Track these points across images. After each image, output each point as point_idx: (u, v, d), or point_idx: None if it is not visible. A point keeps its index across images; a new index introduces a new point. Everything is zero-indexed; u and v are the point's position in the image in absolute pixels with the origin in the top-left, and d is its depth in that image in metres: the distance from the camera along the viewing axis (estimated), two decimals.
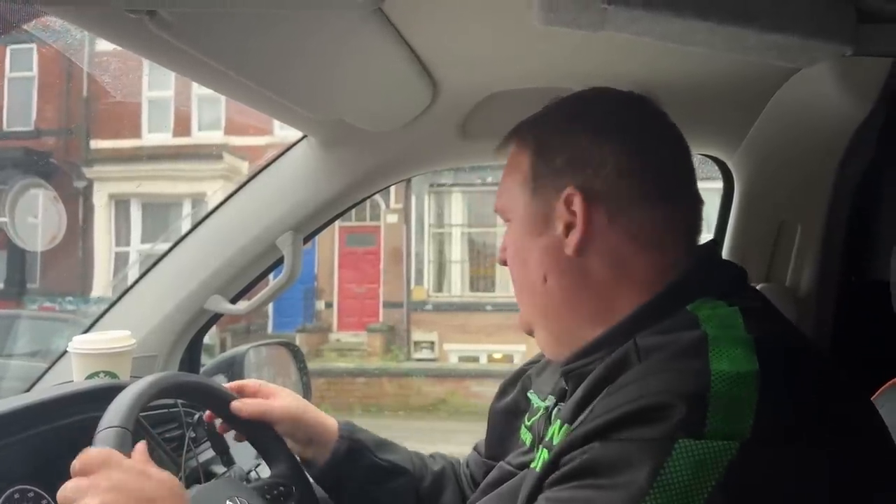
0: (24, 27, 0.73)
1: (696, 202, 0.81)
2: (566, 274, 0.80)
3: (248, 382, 1.08)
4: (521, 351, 10.77)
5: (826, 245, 1.24)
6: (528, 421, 0.92)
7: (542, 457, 0.77)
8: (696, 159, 1.44)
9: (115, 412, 0.85)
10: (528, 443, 0.90)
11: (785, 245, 1.30)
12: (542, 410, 0.89)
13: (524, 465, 0.86)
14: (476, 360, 11.24)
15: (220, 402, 1.04)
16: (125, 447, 0.80)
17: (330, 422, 1.07)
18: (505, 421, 1.00)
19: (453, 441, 8.09)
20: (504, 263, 0.88)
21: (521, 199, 0.82)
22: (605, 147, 0.78)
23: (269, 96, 0.97)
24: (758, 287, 1.23)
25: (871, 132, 1.09)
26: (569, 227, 0.78)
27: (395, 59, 0.94)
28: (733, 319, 0.71)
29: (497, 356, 11.19)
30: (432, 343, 11.60)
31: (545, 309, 0.83)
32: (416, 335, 11.69)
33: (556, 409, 0.85)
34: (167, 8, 0.64)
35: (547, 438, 0.78)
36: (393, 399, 9.95)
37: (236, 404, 1.01)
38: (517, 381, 1.02)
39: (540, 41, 0.95)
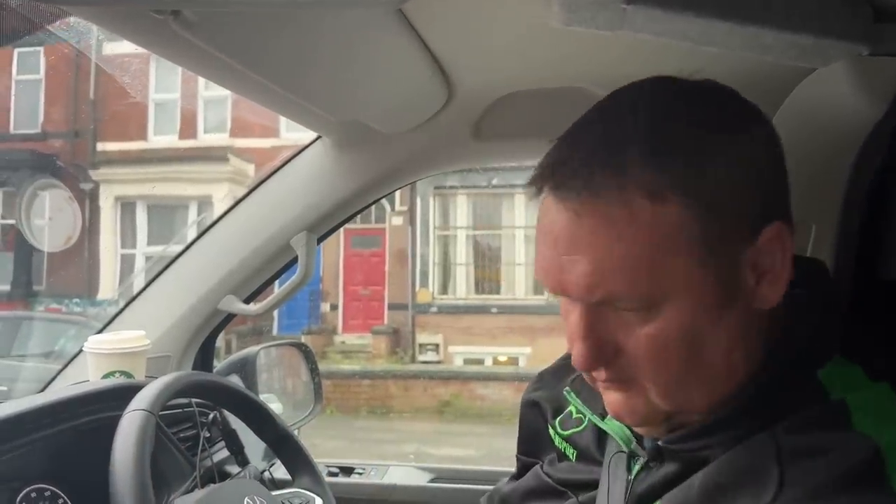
0: (49, 27, 0.73)
1: None
2: (750, 335, 0.63)
3: None
4: (525, 353, 10.78)
5: (840, 245, 1.23)
6: (565, 430, 0.82)
7: None
8: None
9: (143, 398, 0.88)
10: (571, 457, 0.80)
11: (799, 245, 1.29)
12: (586, 422, 0.78)
13: (568, 484, 0.79)
14: (481, 362, 11.24)
15: (244, 407, 1.06)
16: (148, 431, 0.84)
17: None
18: (534, 415, 0.90)
19: (458, 443, 8.09)
20: (594, 367, 0.63)
21: (686, 270, 0.59)
22: (763, 151, 0.66)
23: (287, 97, 0.97)
24: None
25: (886, 133, 1.08)
26: (760, 274, 0.62)
27: (412, 59, 0.95)
28: (890, 407, 0.58)
29: (502, 359, 11.19)
30: (437, 345, 11.59)
31: (716, 393, 0.62)
32: (421, 337, 11.69)
33: (645, 468, 0.69)
34: (192, 8, 0.64)
35: None
36: (398, 401, 9.96)
37: None
38: (563, 378, 0.86)
39: (556, 41, 0.94)
